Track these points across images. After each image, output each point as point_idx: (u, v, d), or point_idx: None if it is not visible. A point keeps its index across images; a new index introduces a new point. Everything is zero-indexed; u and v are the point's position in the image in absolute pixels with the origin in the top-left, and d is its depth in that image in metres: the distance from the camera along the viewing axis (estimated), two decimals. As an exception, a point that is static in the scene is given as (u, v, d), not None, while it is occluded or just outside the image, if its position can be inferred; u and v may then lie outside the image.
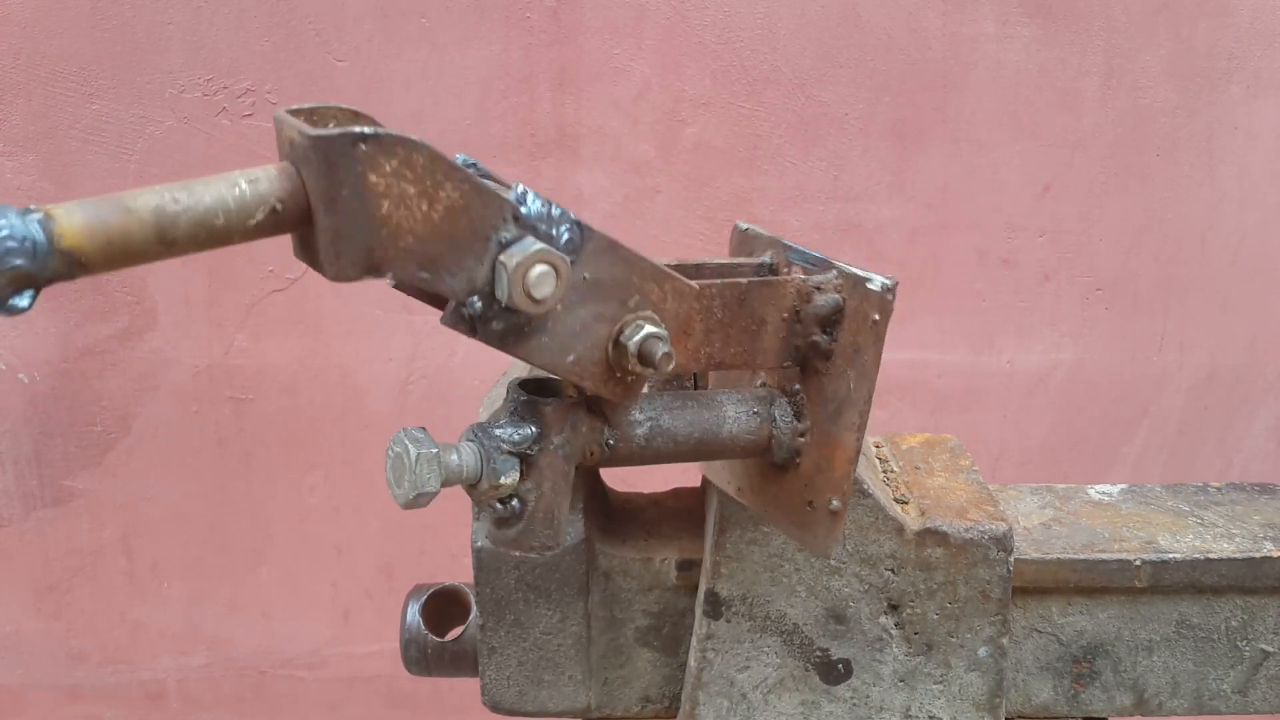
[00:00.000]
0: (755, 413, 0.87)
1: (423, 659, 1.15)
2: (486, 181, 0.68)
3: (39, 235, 0.54)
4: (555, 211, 0.70)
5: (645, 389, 0.83)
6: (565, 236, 0.72)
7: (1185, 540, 1.12)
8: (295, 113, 0.65)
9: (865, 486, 1.01)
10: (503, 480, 0.75)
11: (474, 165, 0.71)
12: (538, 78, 2.13)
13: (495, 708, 1.11)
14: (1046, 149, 2.27)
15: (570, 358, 0.74)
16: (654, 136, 2.17)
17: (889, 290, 0.82)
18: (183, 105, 2.07)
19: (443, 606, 1.18)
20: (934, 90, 2.21)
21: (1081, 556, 1.09)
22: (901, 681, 1.07)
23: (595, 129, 2.16)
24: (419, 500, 0.72)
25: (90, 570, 2.30)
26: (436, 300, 0.75)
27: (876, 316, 0.82)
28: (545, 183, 2.16)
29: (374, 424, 2.25)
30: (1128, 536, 1.12)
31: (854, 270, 0.84)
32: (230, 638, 2.37)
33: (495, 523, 0.80)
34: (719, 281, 0.82)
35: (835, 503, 0.86)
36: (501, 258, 0.68)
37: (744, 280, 0.83)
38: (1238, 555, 1.09)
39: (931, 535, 1.03)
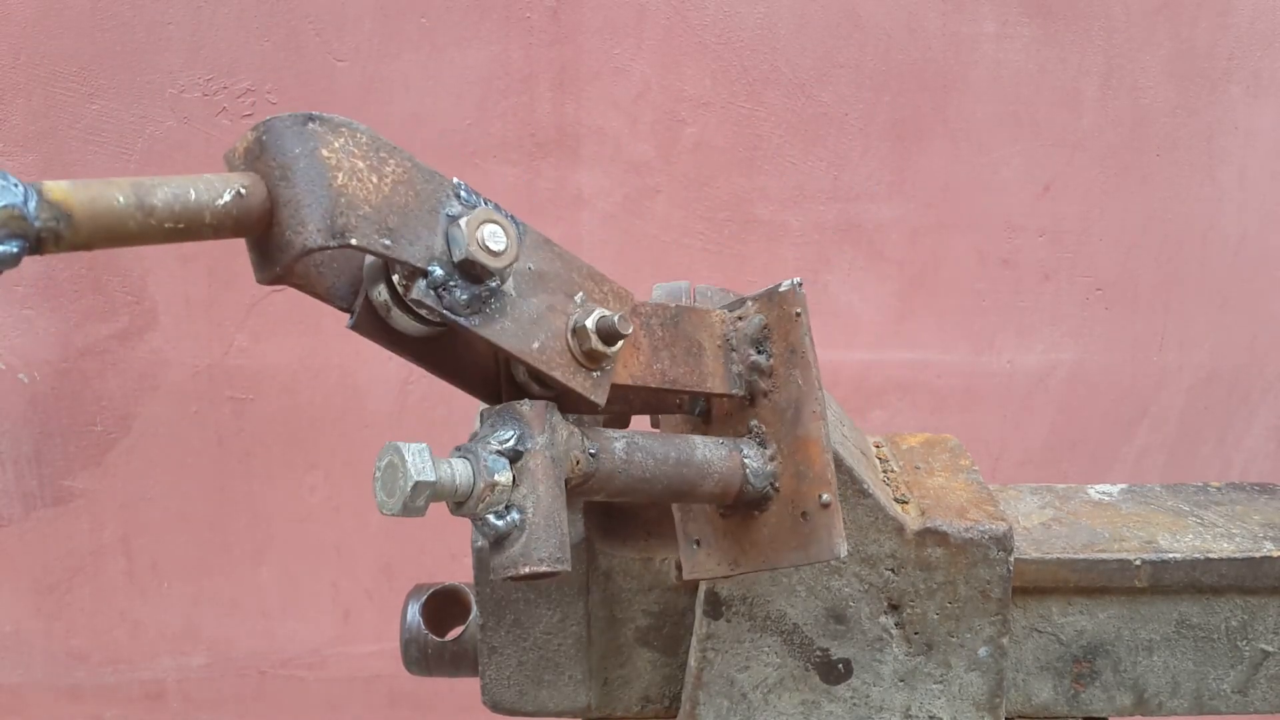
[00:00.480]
0: (722, 443, 0.91)
1: (423, 659, 1.15)
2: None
3: (28, 186, 0.60)
4: (488, 204, 0.76)
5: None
6: None
7: (1185, 540, 1.12)
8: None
9: (865, 486, 1.01)
10: (497, 478, 0.75)
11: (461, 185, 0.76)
12: (538, 78, 2.13)
13: (495, 708, 1.11)
14: (1046, 149, 2.27)
15: (535, 344, 0.78)
16: (654, 136, 2.17)
17: (798, 285, 0.89)
18: (183, 105, 2.07)
19: (443, 606, 1.18)
20: (934, 90, 2.21)
21: (1081, 556, 1.09)
22: (901, 681, 1.07)
23: (595, 129, 2.16)
24: (416, 494, 0.71)
25: (90, 570, 2.30)
26: (399, 343, 0.80)
27: (798, 311, 0.89)
28: (545, 183, 2.16)
29: (374, 424, 2.25)
30: (1128, 536, 1.12)
31: (763, 290, 0.91)
32: (230, 638, 2.37)
33: (496, 543, 0.76)
34: (650, 302, 0.88)
35: (826, 497, 0.87)
36: (454, 226, 0.74)
37: (673, 305, 0.90)
38: (1238, 555, 1.09)
39: (931, 535, 1.03)
